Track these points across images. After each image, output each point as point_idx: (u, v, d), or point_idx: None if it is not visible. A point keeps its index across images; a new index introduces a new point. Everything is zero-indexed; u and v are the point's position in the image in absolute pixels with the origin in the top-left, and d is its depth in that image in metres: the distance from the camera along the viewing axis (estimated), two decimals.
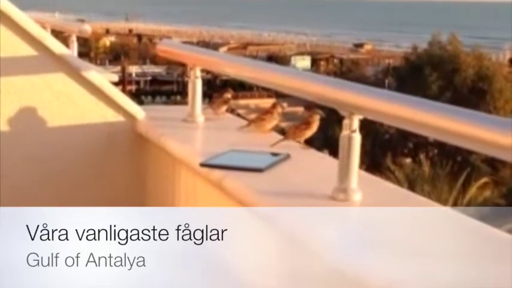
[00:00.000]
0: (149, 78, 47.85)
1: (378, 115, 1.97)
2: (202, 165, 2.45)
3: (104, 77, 3.18)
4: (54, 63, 2.99)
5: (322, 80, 2.23)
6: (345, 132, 2.03)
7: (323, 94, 2.15)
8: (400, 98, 1.89)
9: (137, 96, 39.92)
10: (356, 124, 2.02)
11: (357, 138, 2.03)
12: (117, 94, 3.09)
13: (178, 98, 41.56)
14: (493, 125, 1.58)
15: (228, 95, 3.27)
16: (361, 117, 2.01)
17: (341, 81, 2.16)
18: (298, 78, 2.32)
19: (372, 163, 21.55)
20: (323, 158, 2.62)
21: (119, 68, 41.11)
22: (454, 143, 1.70)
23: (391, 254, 1.76)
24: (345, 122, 2.03)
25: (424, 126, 1.79)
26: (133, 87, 44.35)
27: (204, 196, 2.59)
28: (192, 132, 3.03)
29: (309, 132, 2.61)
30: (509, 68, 32.40)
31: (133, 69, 47.31)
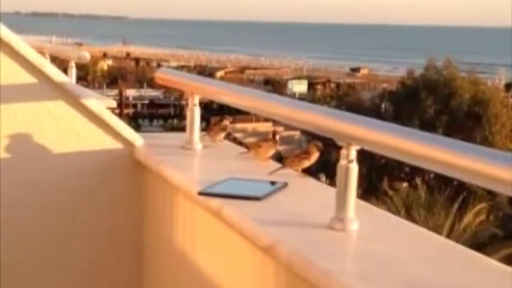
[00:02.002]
0: (146, 101, 47.93)
1: (376, 146, 1.99)
2: (201, 193, 2.47)
3: (102, 103, 3.20)
4: (53, 91, 3.01)
5: (320, 110, 2.25)
6: (342, 162, 2.05)
7: (321, 124, 2.17)
8: (398, 130, 1.91)
9: (134, 120, 39.99)
10: (353, 154, 2.04)
11: (354, 168, 2.05)
12: (115, 121, 3.10)
13: (175, 121, 41.60)
14: (493, 159, 1.59)
15: (226, 122, 3.30)
16: (358, 147, 2.03)
17: (339, 112, 2.18)
18: (296, 108, 2.34)
19: (368, 187, 21.56)
20: (320, 187, 2.64)
21: (116, 91, 41.17)
22: (453, 175, 1.71)
23: (387, 284, 1.77)
24: (343, 152, 2.05)
25: (422, 159, 1.81)
26: (130, 111, 44.38)
27: (202, 224, 2.60)
28: (190, 159, 3.05)
29: (308, 163, 2.63)
30: (505, 93, 32.53)
31: (131, 93, 47.38)
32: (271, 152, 2.89)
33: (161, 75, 3.36)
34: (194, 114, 3.08)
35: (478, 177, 1.64)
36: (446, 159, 1.70)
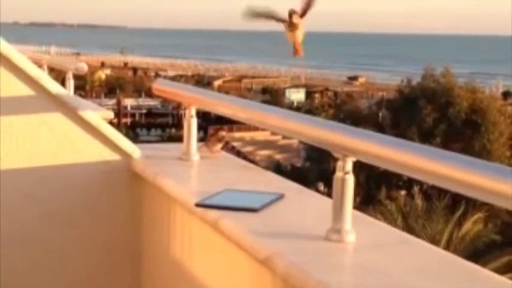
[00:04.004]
0: (144, 111, 47.99)
1: (372, 158, 1.99)
2: (198, 205, 2.47)
3: (99, 114, 3.21)
4: (51, 103, 3.02)
5: (316, 122, 2.26)
6: (338, 174, 2.06)
7: (317, 136, 2.17)
8: (394, 142, 1.91)
9: (132, 129, 40.01)
10: (349, 166, 2.04)
11: (350, 179, 2.05)
12: (113, 133, 3.11)
13: (174, 131, 41.63)
14: (492, 173, 1.59)
15: (223, 133, 3.31)
16: (354, 159, 2.04)
17: (335, 124, 2.19)
18: (293, 120, 2.35)
19: (366, 196, 21.55)
20: (317, 198, 2.65)
21: (114, 101, 41.20)
22: (449, 188, 1.71)
23: None
24: (339, 163, 2.05)
25: (418, 171, 1.81)
26: (128, 120, 44.41)
27: (199, 236, 2.61)
28: (188, 171, 3.05)
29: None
30: (502, 101, 32.60)
31: (129, 102, 47.43)
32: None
33: (159, 87, 3.37)
34: (191, 126, 3.08)
35: (475, 191, 1.64)
36: (442, 172, 1.71)
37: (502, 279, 1.85)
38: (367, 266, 1.95)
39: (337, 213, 2.07)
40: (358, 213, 2.26)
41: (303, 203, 2.53)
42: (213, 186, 2.64)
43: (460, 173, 1.66)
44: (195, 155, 3.11)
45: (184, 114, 3.12)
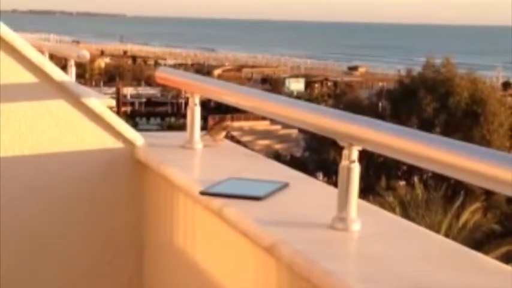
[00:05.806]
0: (144, 99, 47.94)
1: (378, 147, 1.99)
2: (202, 193, 2.47)
3: (101, 102, 3.20)
4: (53, 90, 3.01)
5: (322, 110, 2.25)
6: (344, 163, 2.05)
7: (322, 125, 2.17)
8: (401, 131, 1.91)
9: (132, 118, 39.95)
10: (355, 155, 2.04)
11: (356, 168, 2.05)
12: (116, 121, 3.10)
13: (173, 119, 41.62)
14: (494, 160, 1.59)
15: (227, 122, 3.31)
16: (360, 148, 2.03)
17: (340, 113, 2.18)
18: (298, 108, 2.34)
19: (366, 186, 21.56)
20: (321, 187, 2.65)
21: (113, 89, 41.12)
22: (454, 176, 1.71)
23: (390, 284, 1.77)
24: (344, 152, 2.05)
25: (424, 160, 1.81)
26: (128, 109, 44.36)
27: (203, 224, 2.60)
28: (191, 159, 3.05)
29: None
30: (502, 92, 32.62)
31: (128, 91, 47.37)
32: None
33: (162, 75, 3.36)
34: (195, 114, 3.08)
35: (480, 178, 1.64)
36: (448, 160, 1.71)
37: (506, 267, 1.85)
38: (372, 254, 1.95)
39: (343, 202, 2.07)
40: (363, 202, 2.26)
41: (308, 192, 2.53)
42: (217, 174, 2.63)
43: (465, 161, 1.66)
44: (198, 143, 3.10)
45: (187, 102, 3.12)
